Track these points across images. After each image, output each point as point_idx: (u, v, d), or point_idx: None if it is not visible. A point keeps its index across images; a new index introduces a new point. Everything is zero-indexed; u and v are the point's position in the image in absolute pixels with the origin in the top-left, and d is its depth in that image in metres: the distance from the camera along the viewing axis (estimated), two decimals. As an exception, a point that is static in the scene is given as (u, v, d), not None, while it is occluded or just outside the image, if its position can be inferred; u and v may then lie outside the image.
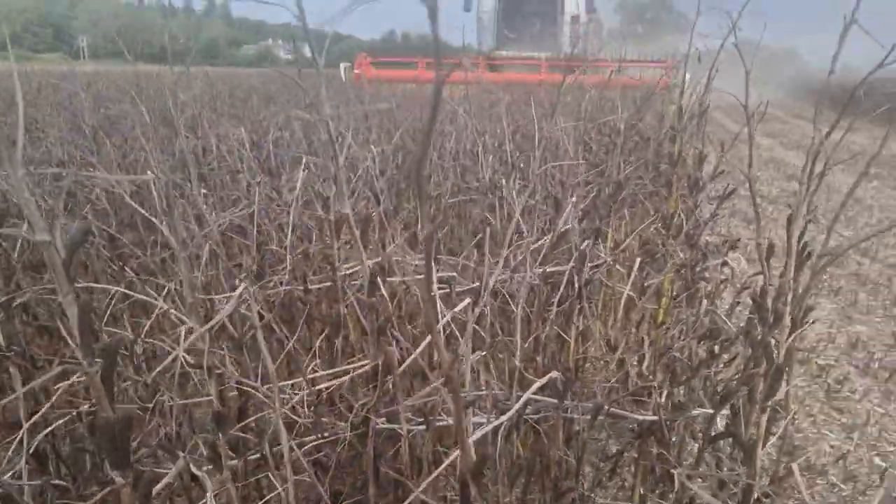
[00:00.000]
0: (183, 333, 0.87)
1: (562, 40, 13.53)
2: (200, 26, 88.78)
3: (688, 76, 6.19)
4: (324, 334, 1.48)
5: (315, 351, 1.48)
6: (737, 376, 1.15)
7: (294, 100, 6.43)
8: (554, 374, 1.04)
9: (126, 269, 1.78)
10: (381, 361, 0.97)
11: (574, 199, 1.61)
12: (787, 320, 0.88)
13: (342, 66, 10.57)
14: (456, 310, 1.02)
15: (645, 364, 1.54)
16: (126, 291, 1.16)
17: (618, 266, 2.14)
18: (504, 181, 1.87)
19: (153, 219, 1.11)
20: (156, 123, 3.45)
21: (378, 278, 1.01)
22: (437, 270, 1.58)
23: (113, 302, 1.32)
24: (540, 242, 1.65)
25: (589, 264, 1.77)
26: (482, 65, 10.33)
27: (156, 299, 1.21)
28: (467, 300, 1.05)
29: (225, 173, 2.12)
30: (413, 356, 0.95)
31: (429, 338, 0.95)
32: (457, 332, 1.30)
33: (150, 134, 2.42)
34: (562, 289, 1.55)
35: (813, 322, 1.26)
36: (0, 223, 1.91)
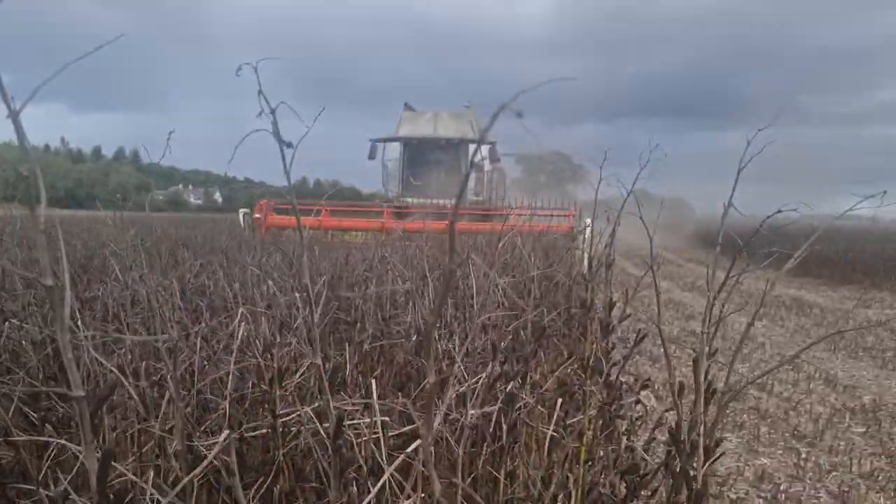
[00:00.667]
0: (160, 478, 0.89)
1: (466, 189, 13.87)
2: (108, 171, 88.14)
3: (589, 224, 6.63)
4: (260, 482, 1.48)
5: (250, 500, 1.47)
6: (661, 506, 1.24)
7: (209, 244, 6.46)
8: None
9: (47, 424, 1.74)
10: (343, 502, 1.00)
11: (502, 343, 1.73)
12: (701, 450, 0.99)
13: (241, 212, 10.09)
14: (409, 450, 1.07)
15: (573, 501, 1.61)
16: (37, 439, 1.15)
17: (539, 407, 2.23)
18: (430, 328, 1.97)
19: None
20: (76, 271, 3.41)
21: (341, 423, 1.06)
22: (372, 414, 1.63)
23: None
24: (474, 384, 1.73)
25: (515, 405, 1.86)
26: (387, 213, 10.36)
27: (80, 453, 1.21)
28: (417, 441, 1.11)
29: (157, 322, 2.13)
30: (375, 490, 0.99)
31: (380, 483, 1.00)
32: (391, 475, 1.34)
33: (70, 284, 2.42)
34: (491, 429, 1.63)
35: (723, 454, 1.38)
36: None
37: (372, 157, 14.19)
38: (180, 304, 2.15)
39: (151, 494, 1.01)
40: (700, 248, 22.88)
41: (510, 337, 2.62)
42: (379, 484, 0.98)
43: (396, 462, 1.01)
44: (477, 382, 1.61)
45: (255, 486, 1.50)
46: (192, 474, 0.86)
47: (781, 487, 3.53)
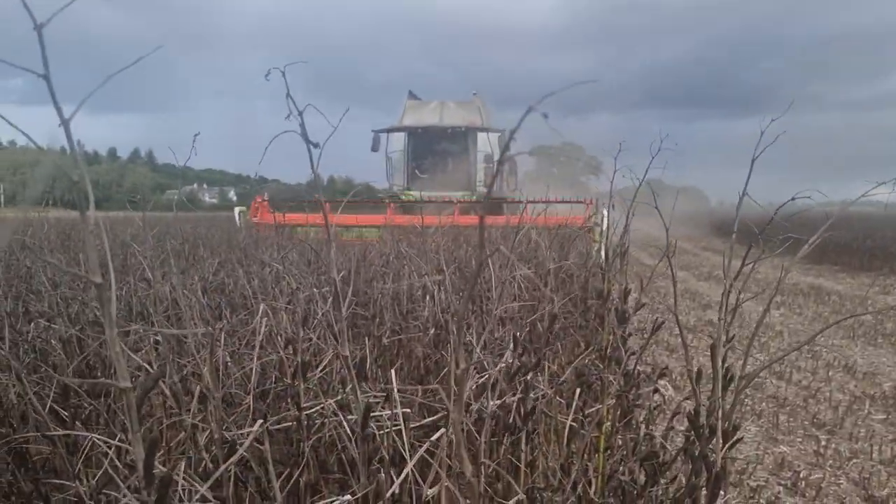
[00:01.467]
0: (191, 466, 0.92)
1: (475, 180, 13.07)
2: (124, 172, 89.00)
3: (607, 216, 6.59)
4: (286, 474, 1.52)
5: (274, 493, 1.51)
6: (680, 491, 1.26)
7: (226, 243, 6.52)
8: (522, 496, 1.12)
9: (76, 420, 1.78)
10: (371, 491, 1.03)
11: (516, 334, 1.75)
12: (720, 433, 1.01)
13: (237, 210, 9.39)
14: (433, 438, 1.10)
15: (593, 489, 1.63)
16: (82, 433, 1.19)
17: (557, 397, 2.25)
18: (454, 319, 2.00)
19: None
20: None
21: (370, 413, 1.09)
22: (394, 405, 1.66)
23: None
24: (488, 375, 1.76)
25: (532, 395, 1.88)
26: (392, 207, 9.63)
27: (109, 448, 1.25)
28: (441, 431, 1.14)
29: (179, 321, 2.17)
30: (399, 480, 1.02)
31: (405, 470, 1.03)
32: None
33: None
34: (510, 419, 1.65)
35: (741, 438, 1.40)
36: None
37: (375, 148, 13.38)
38: (202, 302, 2.19)
39: (184, 486, 1.04)
40: (716, 238, 22.78)
41: (528, 328, 2.64)
42: (403, 473, 1.01)
43: (421, 451, 1.04)
44: (499, 373, 1.63)
45: (281, 479, 1.54)
46: (227, 463, 0.89)
47: (801, 475, 3.53)
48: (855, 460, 3.74)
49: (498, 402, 1.56)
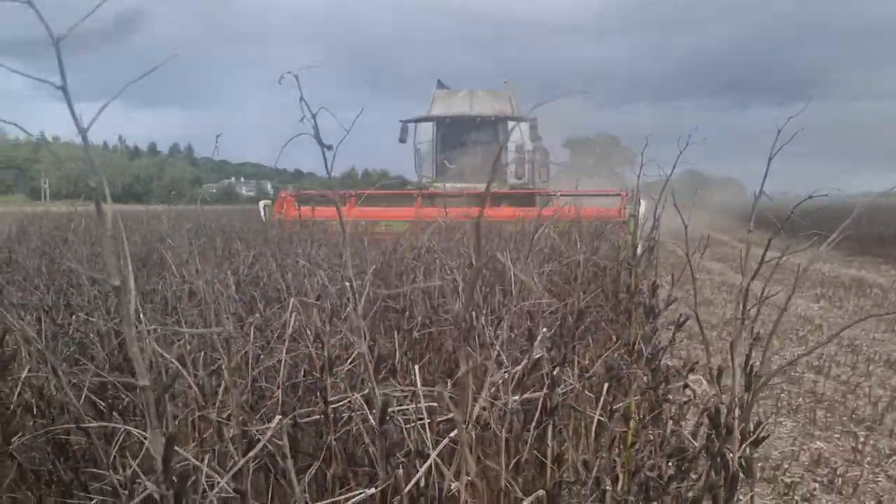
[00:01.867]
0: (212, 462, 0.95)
1: (506, 171, 12.58)
2: (164, 166, 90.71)
3: (642, 209, 6.48)
4: (314, 467, 1.55)
5: (305, 484, 1.54)
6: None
7: (261, 237, 6.60)
8: (541, 492, 1.13)
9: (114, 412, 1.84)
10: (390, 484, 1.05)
11: (544, 330, 1.75)
12: (737, 433, 1.01)
13: (261, 203, 9.10)
14: (452, 434, 1.12)
15: (619, 485, 1.63)
16: (110, 425, 1.23)
17: (586, 391, 2.25)
18: (476, 315, 2.01)
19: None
20: (136, 266, 3.55)
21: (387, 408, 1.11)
22: (417, 400, 1.68)
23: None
24: (514, 371, 1.77)
25: (559, 390, 1.88)
26: (419, 200, 9.29)
27: (145, 439, 1.28)
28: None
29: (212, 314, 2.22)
30: (419, 475, 1.03)
31: (427, 464, 1.04)
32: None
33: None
34: (537, 413, 1.66)
35: (766, 437, 1.38)
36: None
37: (403, 139, 13.03)
38: (235, 297, 2.24)
39: (209, 478, 1.07)
40: (756, 230, 22.32)
41: (558, 322, 2.64)
42: (424, 467, 1.03)
43: (441, 445, 1.05)
44: (519, 366, 1.64)
45: (310, 471, 1.57)
46: (246, 457, 0.92)
47: (838, 472, 3.47)
48: (895, 457, 3.67)
49: (520, 397, 1.57)
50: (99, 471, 1.61)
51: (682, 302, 2.99)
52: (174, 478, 0.62)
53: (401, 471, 1.06)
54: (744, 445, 1.02)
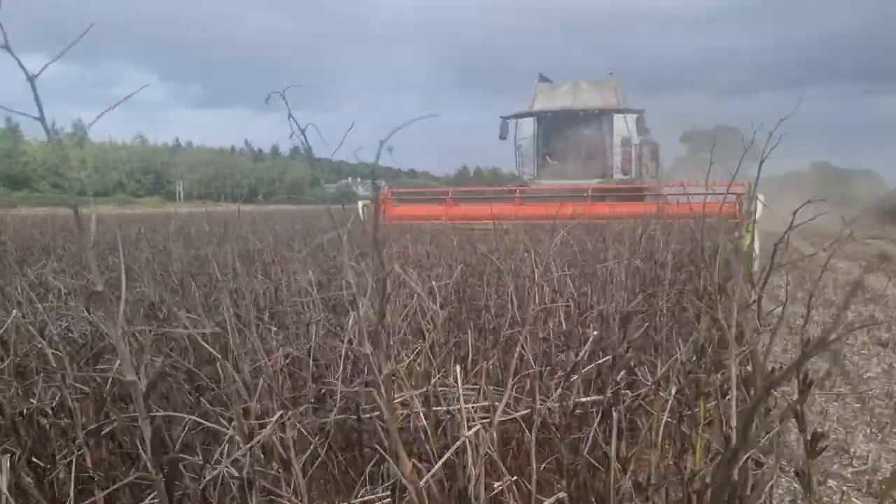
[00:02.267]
0: (226, 449, 1.02)
1: (611, 166, 12.21)
2: (285, 168, 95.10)
3: (760, 205, 6.07)
4: (374, 461, 1.61)
5: (365, 477, 1.60)
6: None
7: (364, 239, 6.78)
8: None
9: (202, 399, 1.98)
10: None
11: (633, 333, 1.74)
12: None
13: (360, 203, 8.92)
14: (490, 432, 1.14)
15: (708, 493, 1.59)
16: (198, 420, 1.33)
17: (661, 394, 2.20)
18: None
19: (220, 358, 1.29)
20: (236, 265, 3.77)
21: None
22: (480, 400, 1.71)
23: (186, 429, 1.50)
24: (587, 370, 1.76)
25: (635, 392, 1.87)
26: (519, 198, 8.90)
27: (226, 427, 1.38)
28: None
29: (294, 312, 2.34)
30: (469, 470, 1.07)
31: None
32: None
33: (231, 275, 2.70)
34: (599, 416, 1.65)
35: (824, 448, 1.30)
36: (97, 359, 2.16)
37: (503, 136, 12.74)
38: (315, 296, 2.34)
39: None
40: (891, 225, 20.75)
41: (645, 325, 2.59)
42: (472, 462, 1.06)
43: (486, 442, 1.07)
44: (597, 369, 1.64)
45: (371, 463, 1.63)
46: (248, 446, 0.98)
47: None
48: None
49: (587, 398, 1.57)
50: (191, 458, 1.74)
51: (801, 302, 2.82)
52: (161, 465, 0.69)
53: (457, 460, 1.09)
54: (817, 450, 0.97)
